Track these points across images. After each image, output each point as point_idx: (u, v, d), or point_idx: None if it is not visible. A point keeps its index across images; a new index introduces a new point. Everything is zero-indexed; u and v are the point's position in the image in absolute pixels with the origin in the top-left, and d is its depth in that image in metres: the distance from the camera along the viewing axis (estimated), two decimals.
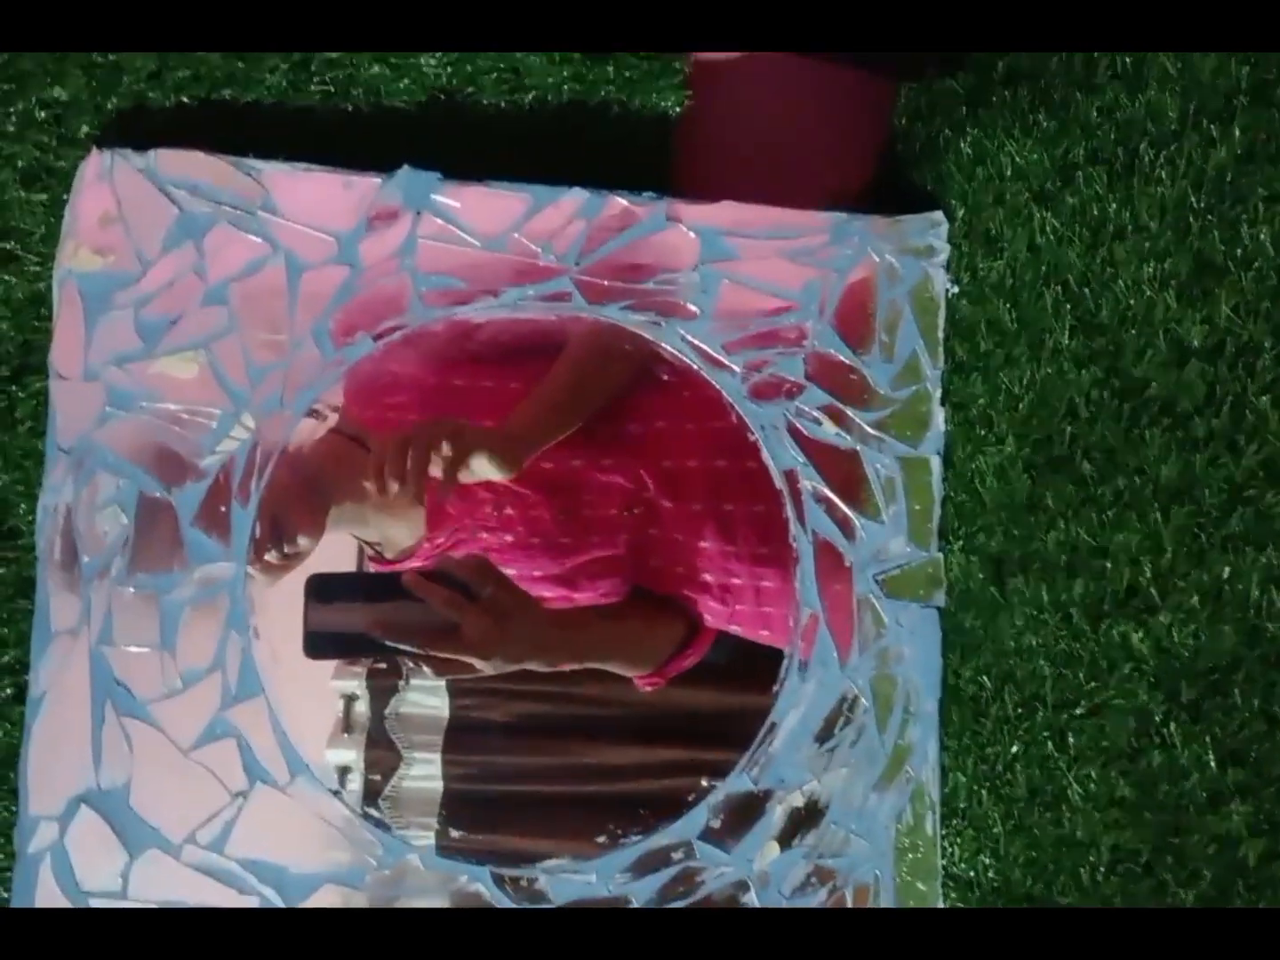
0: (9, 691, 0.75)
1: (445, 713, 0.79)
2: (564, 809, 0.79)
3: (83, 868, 0.72)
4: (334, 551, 0.79)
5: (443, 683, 0.79)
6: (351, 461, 0.78)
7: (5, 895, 0.73)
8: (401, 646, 0.74)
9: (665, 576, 0.82)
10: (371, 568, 0.80)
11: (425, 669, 0.75)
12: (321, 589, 0.75)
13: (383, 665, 0.79)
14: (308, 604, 0.75)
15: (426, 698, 0.79)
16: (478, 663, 0.74)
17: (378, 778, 0.77)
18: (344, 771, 0.77)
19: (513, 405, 0.80)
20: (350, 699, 0.79)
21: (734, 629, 0.82)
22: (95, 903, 0.72)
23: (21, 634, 0.75)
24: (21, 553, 0.76)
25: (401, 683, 0.79)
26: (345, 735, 0.78)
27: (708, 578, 0.82)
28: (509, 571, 0.80)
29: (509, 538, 0.81)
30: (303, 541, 0.76)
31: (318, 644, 0.75)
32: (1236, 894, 0.68)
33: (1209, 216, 0.72)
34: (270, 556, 0.75)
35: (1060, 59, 0.78)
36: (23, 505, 0.76)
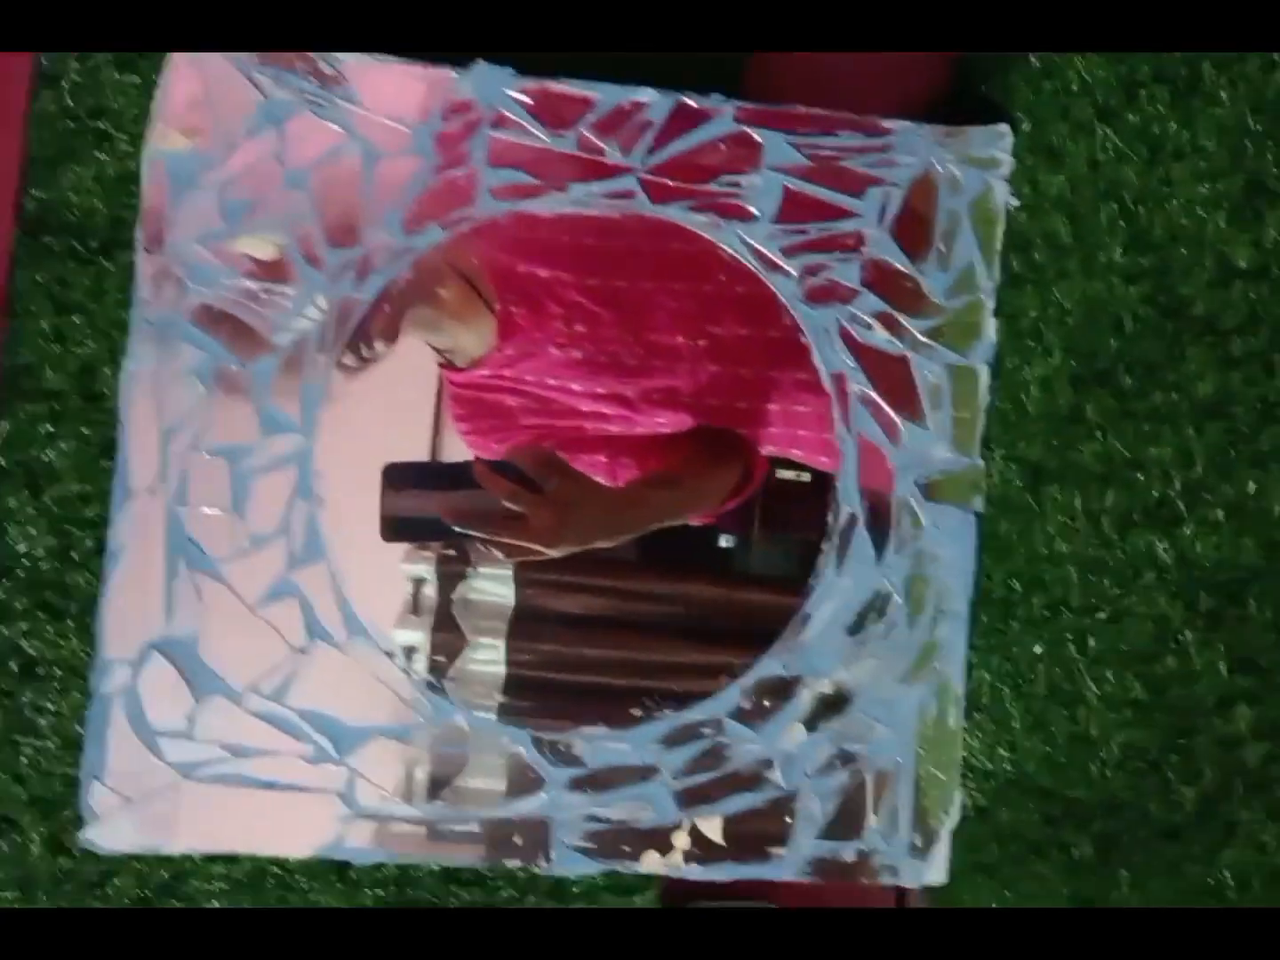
0: (90, 544, 0.80)
1: (511, 601, 0.82)
2: (618, 700, 0.82)
3: (152, 709, 0.77)
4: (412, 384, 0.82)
5: (509, 571, 0.82)
6: (431, 269, 0.80)
7: (80, 731, 0.78)
8: (471, 532, 0.78)
9: (725, 413, 0.84)
10: (443, 375, 0.83)
11: (494, 553, 0.79)
12: (396, 476, 0.79)
13: (451, 552, 0.82)
14: (383, 491, 0.79)
15: (493, 585, 0.82)
16: (543, 549, 0.78)
17: (443, 659, 0.80)
18: (410, 651, 0.80)
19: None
20: (419, 582, 0.82)
21: (794, 454, 0.84)
22: (163, 741, 0.77)
23: (103, 491, 0.79)
24: (105, 416, 0.79)
25: (469, 569, 0.82)
26: (413, 617, 0.81)
27: (773, 406, 0.84)
28: (574, 386, 0.83)
29: (577, 354, 0.83)
30: (379, 346, 0.79)
31: (393, 528, 0.79)
32: (1236, 794, 0.71)
33: (1266, 140, 0.72)
34: (347, 360, 0.78)
35: None
36: (107, 371, 0.80)
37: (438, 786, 0.79)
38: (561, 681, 0.82)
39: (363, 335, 0.79)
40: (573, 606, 0.83)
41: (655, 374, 0.83)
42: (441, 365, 0.83)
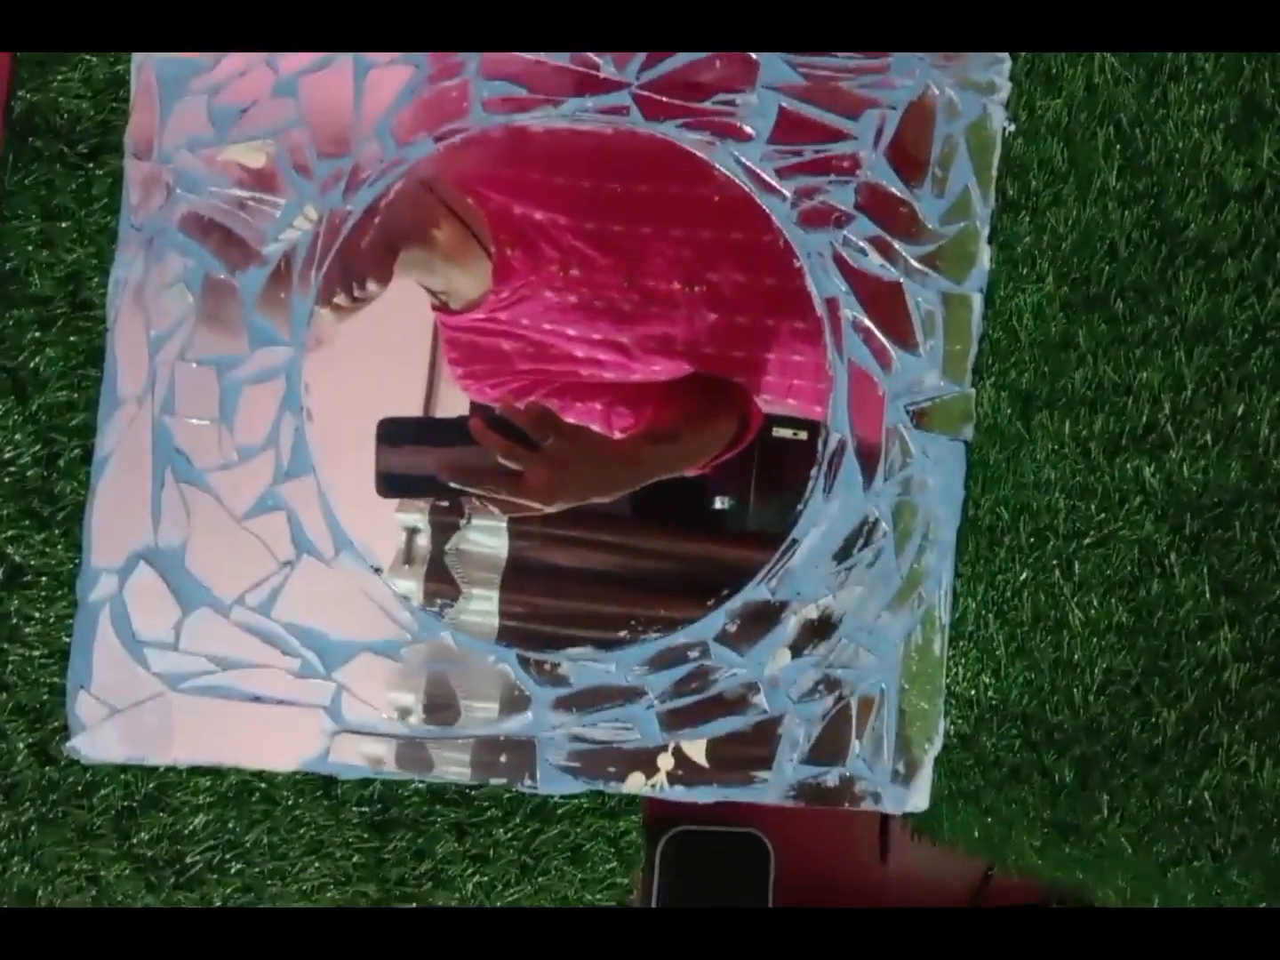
0: (77, 452, 0.79)
1: (504, 553, 0.82)
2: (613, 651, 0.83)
3: (139, 619, 0.77)
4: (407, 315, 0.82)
5: (503, 524, 0.82)
6: (426, 210, 0.80)
7: (67, 640, 0.78)
8: (468, 489, 0.78)
9: (722, 361, 0.84)
10: (437, 318, 0.82)
11: (491, 509, 0.79)
12: (391, 433, 0.79)
13: (445, 503, 0.82)
14: (379, 447, 0.79)
15: (486, 537, 0.82)
16: (540, 506, 0.78)
17: (436, 609, 0.81)
18: (404, 600, 0.80)
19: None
20: (413, 531, 0.81)
21: (789, 403, 0.84)
22: (149, 652, 0.77)
23: (90, 399, 0.78)
24: (93, 323, 0.79)
25: (462, 521, 0.82)
26: (406, 566, 0.81)
27: (769, 355, 0.84)
28: (569, 331, 0.83)
29: (573, 298, 0.82)
30: (371, 286, 0.79)
31: (390, 484, 0.79)
32: (1216, 716, 0.71)
33: (1262, 59, 0.72)
34: (339, 299, 0.78)
35: None
36: (95, 279, 0.79)
37: (424, 704, 0.79)
38: (553, 634, 0.82)
39: (356, 275, 0.78)
40: (566, 559, 0.82)
41: (652, 321, 0.83)
42: (435, 308, 0.82)
